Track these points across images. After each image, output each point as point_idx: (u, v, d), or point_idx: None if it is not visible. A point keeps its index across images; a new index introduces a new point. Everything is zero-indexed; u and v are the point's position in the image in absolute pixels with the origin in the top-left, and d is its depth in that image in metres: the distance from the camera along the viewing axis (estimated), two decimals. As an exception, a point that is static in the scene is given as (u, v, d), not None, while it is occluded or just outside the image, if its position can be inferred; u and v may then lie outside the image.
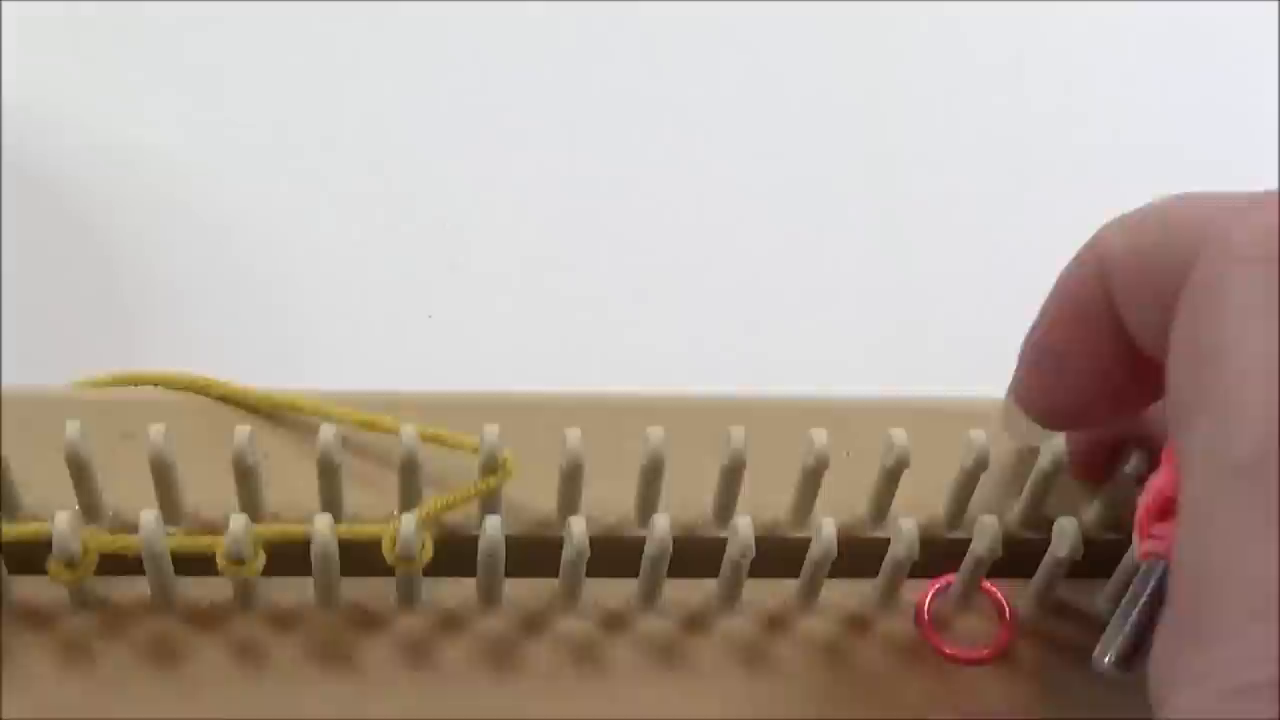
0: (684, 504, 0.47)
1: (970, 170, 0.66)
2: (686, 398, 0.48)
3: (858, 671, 0.46)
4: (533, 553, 0.47)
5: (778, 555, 0.47)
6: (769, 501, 0.48)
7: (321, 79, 0.66)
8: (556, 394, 0.48)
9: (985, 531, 0.45)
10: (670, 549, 0.45)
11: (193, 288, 0.60)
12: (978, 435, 0.46)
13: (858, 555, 0.47)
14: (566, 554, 0.45)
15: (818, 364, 0.59)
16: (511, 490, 0.47)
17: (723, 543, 0.46)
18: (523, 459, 0.47)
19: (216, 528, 0.46)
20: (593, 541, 0.46)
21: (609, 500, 0.48)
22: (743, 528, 0.44)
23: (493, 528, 0.45)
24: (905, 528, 0.45)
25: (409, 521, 0.44)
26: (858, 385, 0.57)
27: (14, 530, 0.45)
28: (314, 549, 0.44)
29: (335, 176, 0.64)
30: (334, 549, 0.44)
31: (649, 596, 0.46)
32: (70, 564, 0.44)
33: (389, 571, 0.46)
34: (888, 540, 0.46)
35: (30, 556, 0.46)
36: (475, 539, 0.46)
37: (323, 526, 0.44)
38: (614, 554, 0.47)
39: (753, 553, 0.45)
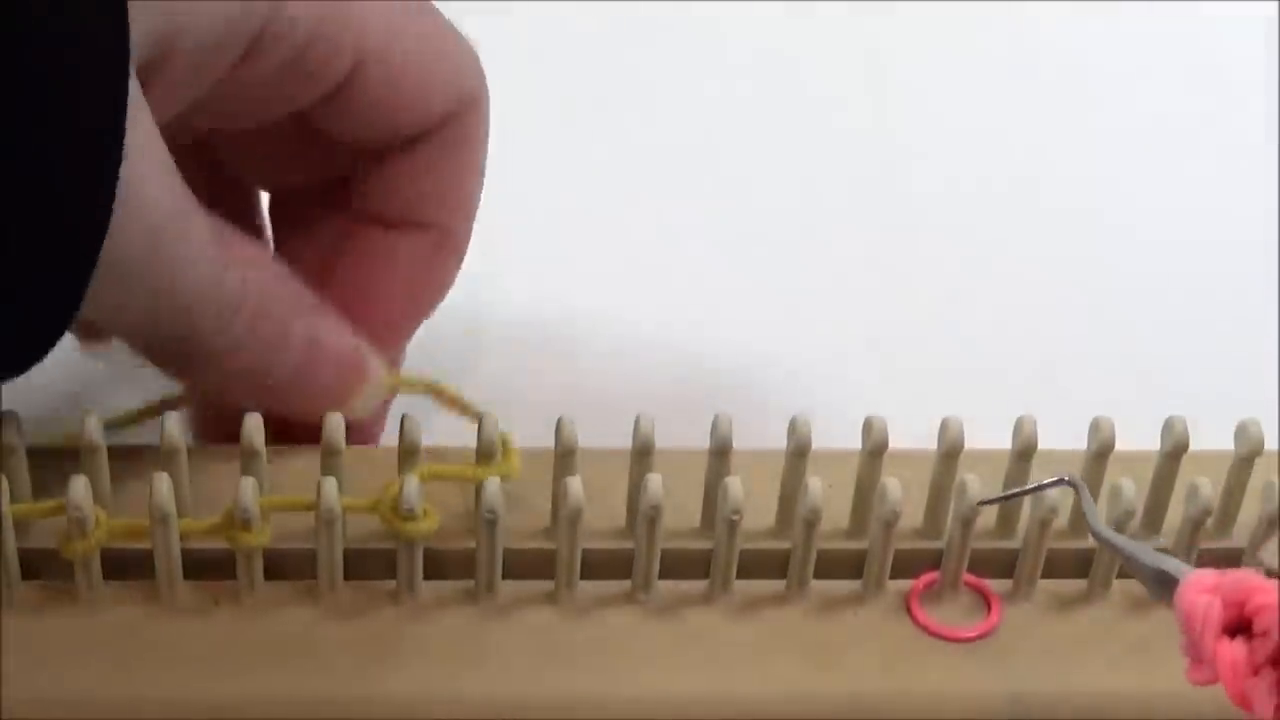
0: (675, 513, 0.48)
1: (971, 172, 0.66)
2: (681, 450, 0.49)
3: (847, 651, 0.47)
4: (532, 559, 0.48)
5: (766, 558, 0.48)
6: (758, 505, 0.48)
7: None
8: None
9: (967, 491, 0.46)
10: (662, 507, 0.45)
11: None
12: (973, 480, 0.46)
13: (841, 562, 0.48)
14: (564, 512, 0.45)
15: (817, 367, 0.59)
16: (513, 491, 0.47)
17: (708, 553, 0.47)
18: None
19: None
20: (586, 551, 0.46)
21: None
22: (733, 486, 0.45)
23: (492, 485, 0.45)
24: (891, 486, 0.46)
25: (411, 480, 0.45)
26: (859, 386, 0.57)
27: (25, 507, 0.46)
28: (318, 514, 0.45)
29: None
30: (338, 512, 0.45)
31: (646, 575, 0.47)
32: (82, 531, 0.45)
33: (389, 574, 0.47)
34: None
35: (37, 562, 0.46)
36: (470, 550, 0.46)
37: (328, 490, 0.45)
38: (608, 560, 0.48)
39: (743, 512, 0.45)
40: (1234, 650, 0.38)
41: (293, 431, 0.48)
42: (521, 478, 0.48)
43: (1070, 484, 0.45)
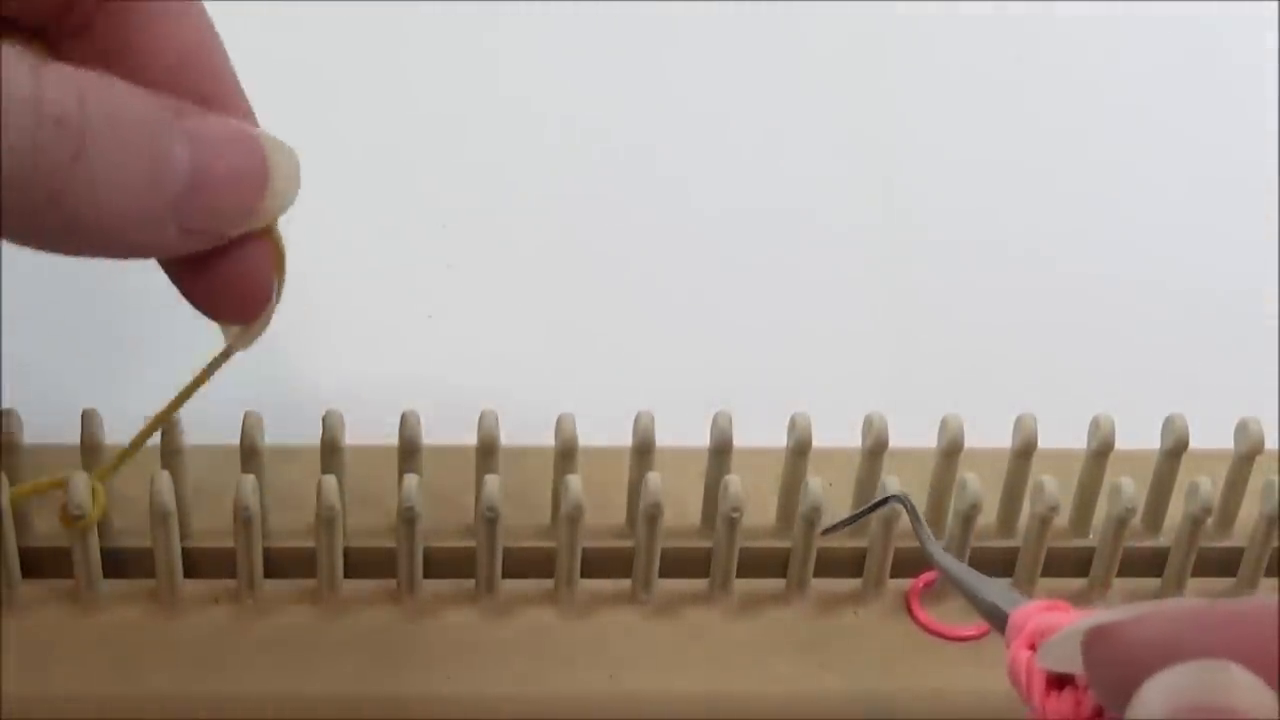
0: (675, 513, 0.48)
1: (971, 171, 0.66)
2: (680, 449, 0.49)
3: (847, 651, 0.47)
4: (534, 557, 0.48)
5: (766, 557, 0.48)
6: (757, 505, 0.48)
7: (321, 78, 0.66)
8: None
9: (967, 489, 0.46)
10: (662, 505, 0.45)
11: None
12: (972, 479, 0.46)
13: (841, 562, 0.48)
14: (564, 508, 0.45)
15: (817, 367, 0.59)
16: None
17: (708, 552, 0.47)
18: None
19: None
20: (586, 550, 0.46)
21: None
22: (733, 484, 0.45)
23: (492, 484, 0.45)
24: (890, 485, 0.46)
25: (410, 480, 0.45)
26: (859, 386, 0.57)
27: (24, 487, 0.46)
28: (318, 514, 0.45)
29: (334, 176, 0.64)
30: (338, 511, 0.45)
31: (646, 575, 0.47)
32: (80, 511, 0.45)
33: (390, 573, 0.47)
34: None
35: (38, 561, 0.46)
36: (469, 549, 0.46)
37: (328, 488, 0.45)
38: (608, 558, 0.48)
39: (742, 510, 0.45)
40: (1062, 706, 0.35)
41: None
42: (522, 477, 0.48)
43: (900, 502, 0.44)
